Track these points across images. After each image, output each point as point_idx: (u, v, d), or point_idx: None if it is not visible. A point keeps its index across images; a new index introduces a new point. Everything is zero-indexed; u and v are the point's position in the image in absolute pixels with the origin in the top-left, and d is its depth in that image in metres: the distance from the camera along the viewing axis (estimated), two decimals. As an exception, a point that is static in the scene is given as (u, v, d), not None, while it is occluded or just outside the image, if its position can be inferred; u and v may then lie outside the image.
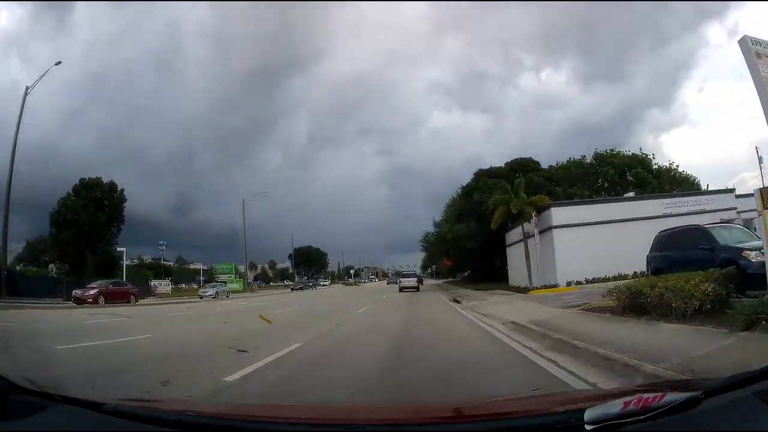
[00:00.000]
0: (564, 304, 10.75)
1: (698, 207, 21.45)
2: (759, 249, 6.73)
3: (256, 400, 3.89)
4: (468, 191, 34.64)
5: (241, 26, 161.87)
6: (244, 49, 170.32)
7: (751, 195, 6.38)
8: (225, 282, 44.78)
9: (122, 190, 40.78)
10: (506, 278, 30.81)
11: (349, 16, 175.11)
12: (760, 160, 26.92)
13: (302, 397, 3.92)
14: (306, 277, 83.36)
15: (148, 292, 35.26)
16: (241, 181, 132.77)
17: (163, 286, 41.58)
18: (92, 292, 22.53)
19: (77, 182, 39.09)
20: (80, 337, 8.36)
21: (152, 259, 66.35)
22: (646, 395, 1.19)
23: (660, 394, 1.20)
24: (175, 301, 30.36)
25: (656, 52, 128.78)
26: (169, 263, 72.47)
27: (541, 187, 30.88)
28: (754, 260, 7.37)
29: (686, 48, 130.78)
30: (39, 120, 66.70)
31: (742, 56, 5.92)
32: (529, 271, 22.74)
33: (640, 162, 36.48)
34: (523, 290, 20.60)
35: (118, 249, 39.42)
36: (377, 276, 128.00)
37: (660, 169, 37.22)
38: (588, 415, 1.15)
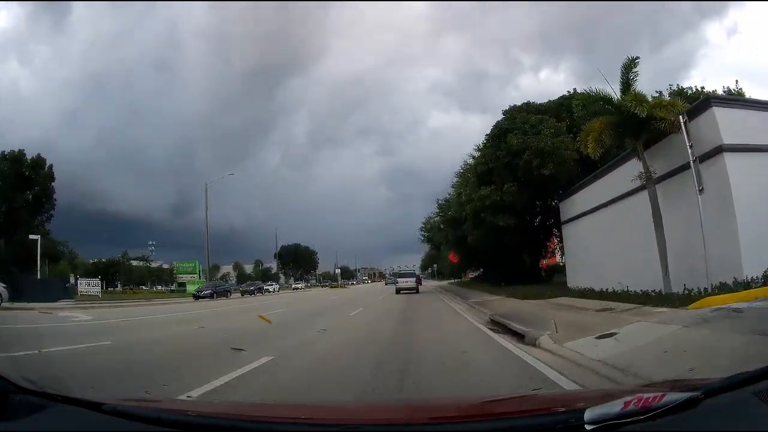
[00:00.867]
0: None
1: None
2: None
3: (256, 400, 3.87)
4: (498, 132, 21.32)
5: (240, 26, 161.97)
6: (244, 49, 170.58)
7: None
8: (185, 283, 38.29)
9: (51, 166, 33.70)
10: (543, 277, 24.27)
11: (348, 16, 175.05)
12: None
13: None
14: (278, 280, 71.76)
15: (65, 292, 27.25)
16: (240, 182, 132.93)
17: (92, 286, 32.75)
18: None
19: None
20: None
21: (118, 258, 63.62)
22: (646, 395, 1.19)
23: (660, 394, 1.20)
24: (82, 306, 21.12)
25: (656, 52, 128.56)
26: (138, 262, 67.90)
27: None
28: None
29: (686, 48, 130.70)
30: (37, 120, 66.51)
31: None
32: (662, 257, 10.49)
33: None
34: (635, 299, 10.13)
35: (31, 237, 29.17)
36: (370, 277, 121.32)
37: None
38: (588, 415, 1.15)
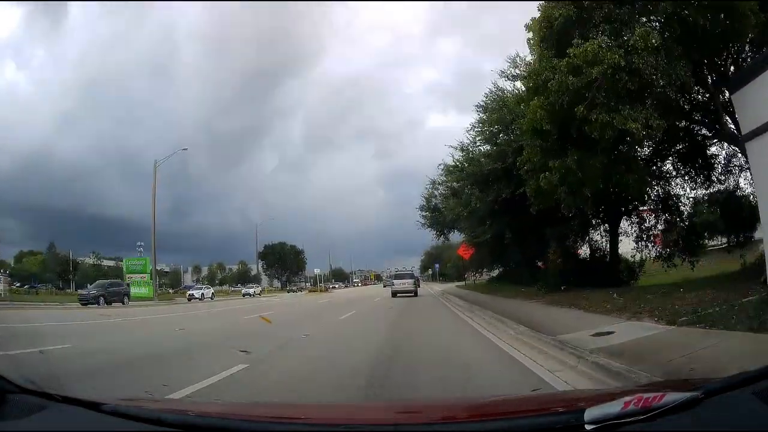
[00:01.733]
0: None
1: None
2: None
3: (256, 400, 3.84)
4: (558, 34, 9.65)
5: (236, 28, 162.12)
6: (239, 52, 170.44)
7: None
8: (128, 284, 32.12)
9: None
10: (623, 278, 15.27)
11: (343, 17, 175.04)
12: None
13: None
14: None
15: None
16: (237, 185, 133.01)
17: None
18: None
19: None
20: None
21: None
22: (646, 395, 1.19)
23: (660, 394, 1.20)
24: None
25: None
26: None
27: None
28: None
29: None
30: (34, 123, 66.32)
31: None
32: None
33: None
34: None
35: None
36: (364, 279, 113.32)
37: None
38: (588, 415, 1.15)
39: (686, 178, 14.67)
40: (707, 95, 10.89)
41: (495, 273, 33.18)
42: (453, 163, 20.36)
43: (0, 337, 9.72)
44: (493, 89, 18.07)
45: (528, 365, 5.34)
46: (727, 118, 10.13)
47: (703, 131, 12.67)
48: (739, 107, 7.65)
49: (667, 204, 15.27)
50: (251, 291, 46.99)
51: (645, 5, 8.95)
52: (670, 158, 14.50)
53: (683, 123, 11.92)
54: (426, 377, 4.95)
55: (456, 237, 30.55)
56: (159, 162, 35.03)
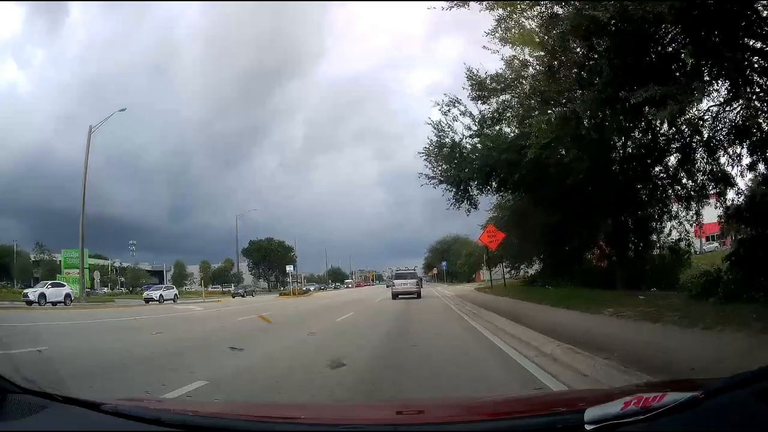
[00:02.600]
0: None
1: None
2: None
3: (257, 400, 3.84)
4: None
5: (236, 29, 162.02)
6: (239, 52, 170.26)
7: None
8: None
9: None
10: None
11: (343, 18, 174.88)
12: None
13: None
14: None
15: None
16: (237, 186, 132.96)
17: None
18: None
19: None
20: None
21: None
22: (646, 395, 1.18)
23: (660, 394, 1.20)
24: None
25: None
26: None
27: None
28: None
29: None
30: (34, 123, 65.95)
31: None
32: None
33: None
34: None
35: None
36: (364, 280, 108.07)
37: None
38: (588, 415, 1.15)
39: None
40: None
41: (532, 270, 24.82)
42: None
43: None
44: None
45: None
46: None
47: None
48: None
49: None
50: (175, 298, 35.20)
51: None
52: None
53: None
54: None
55: (485, 204, 18.69)
56: (94, 127, 30.24)
